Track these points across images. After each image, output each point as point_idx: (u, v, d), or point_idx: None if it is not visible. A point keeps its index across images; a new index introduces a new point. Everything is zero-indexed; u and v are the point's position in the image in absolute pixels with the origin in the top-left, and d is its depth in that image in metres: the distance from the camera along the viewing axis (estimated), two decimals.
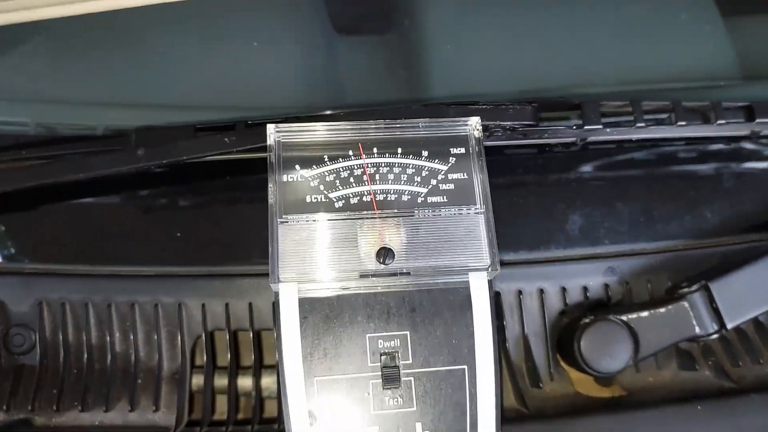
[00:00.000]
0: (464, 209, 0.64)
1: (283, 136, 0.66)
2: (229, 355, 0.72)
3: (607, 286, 0.77)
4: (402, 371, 0.61)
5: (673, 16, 0.93)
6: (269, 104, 0.79)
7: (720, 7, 0.94)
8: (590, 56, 0.88)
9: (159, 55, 0.83)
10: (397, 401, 0.60)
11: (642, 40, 0.91)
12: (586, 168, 0.84)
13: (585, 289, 0.76)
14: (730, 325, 0.70)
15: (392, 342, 0.61)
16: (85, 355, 0.72)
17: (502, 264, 0.64)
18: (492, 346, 0.61)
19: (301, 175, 0.64)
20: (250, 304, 0.73)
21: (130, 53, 0.83)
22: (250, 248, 0.74)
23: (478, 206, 0.64)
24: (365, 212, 0.63)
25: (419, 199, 0.64)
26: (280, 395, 0.61)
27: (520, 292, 0.75)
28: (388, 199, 0.64)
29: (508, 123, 0.72)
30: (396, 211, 0.64)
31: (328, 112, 0.72)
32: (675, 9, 0.93)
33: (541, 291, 0.76)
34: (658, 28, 0.93)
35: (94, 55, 0.83)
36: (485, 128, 0.71)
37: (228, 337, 0.73)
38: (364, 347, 0.61)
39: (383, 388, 0.60)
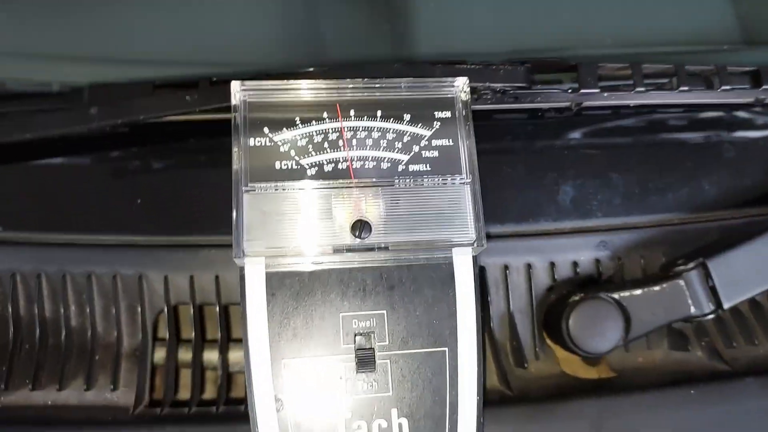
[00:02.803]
0: (449, 179, 0.59)
1: (249, 94, 0.59)
2: (194, 331, 0.67)
3: (598, 261, 0.72)
4: (378, 353, 0.56)
5: None
6: (237, 60, 0.72)
7: None
8: (588, 14, 0.82)
9: (117, 3, 0.75)
10: (372, 386, 0.56)
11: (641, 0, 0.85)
12: (579, 135, 0.79)
13: (575, 264, 0.72)
14: (726, 305, 0.66)
15: (368, 322, 0.57)
16: (38, 330, 0.66)
17: (488, 237, 0.59)
18: (475, 327, 0.57)
19: (269, 138, 0.58)
20: (217, 277, 0.68)
21: (86, 2, 0.75)
22: (217, 217, 0.67)
23: (464, 176, 0.59)
24: (341, 181, 0.58)
25: (400, 168, 0.59)
26: None
27: (506, 267, 0.71)
28: (366, 166, 0.59)
29: (499, 85, 0.66)
30: (374, 180, 0.58)
31: (301, 70, 0.66)
32: None
33: (529, 266, 0.71)
34: None
35: (45, 4, 0.75)
36: (473, 90, 0.66)
37: (192, 311, 0.67)
38: (337, 327, 0.56)
39: (357, 372, 0.56)
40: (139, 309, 0.67)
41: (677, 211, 0.75)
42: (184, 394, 0.67)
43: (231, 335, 0.70)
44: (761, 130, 0.82)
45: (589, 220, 0.74)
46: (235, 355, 0.69)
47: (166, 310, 0.67)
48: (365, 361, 0.55)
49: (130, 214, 0.69)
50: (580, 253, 0.72)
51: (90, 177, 0.71)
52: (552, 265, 0.72)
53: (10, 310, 0.66)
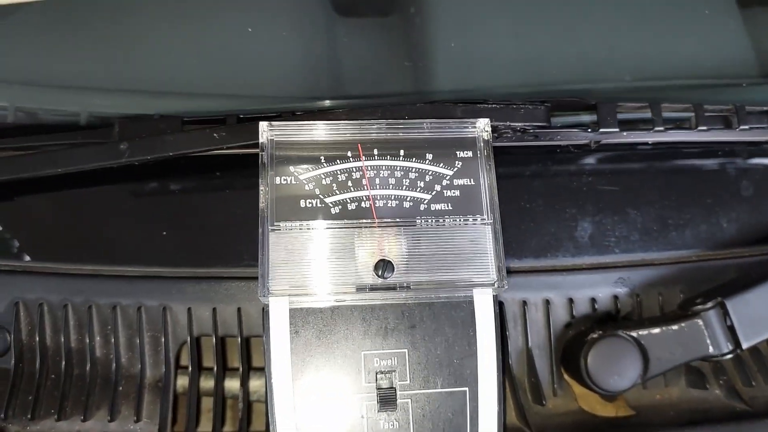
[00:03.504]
0: (470, 219, 0.60)
1: (276, 134, 0.61)
2: (215, 363, 0.68)
3: (616, 298, 0.73)
4: (399, 392, 0.57)
5: (692, 10, 0.88)
6: (263, 94, 0.74)
7: (740, 2, 0.88)
8: (606, 50, 0.82)
9: (147, 37, 0.77)
10: (393, 425, 0.56)
11: (659, 35, 0.86)
12: (598, 170, 0.79)
13: (593, 300, 0.72)
14: (745, 345, 0.66)
15: (389, 360, 0.57)
16: (63, 360, 0.68)
17: (507, 272, 0.60)
18: (496, 367, 0.58)
19: (295, 177, 0.60)
20: (239, 309, 0.69)
21: (116, 35, 0.78)
22: (240, 249, 0.69)
23: (485, 216, 0.60)
24: (363, 220, 0.59)
25: (422, 207, 0.60)
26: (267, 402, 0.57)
27: (524, 303, 0.71)
28: (389, 205, 0.60)
29: (519, 124, 0.67)
30: (397, 219, 0.59)
31: (327, 105, 0.67)
32: (695, 3, 0.88)
33: (547, 302, 0.72)
34: (676, 22, 0.87)
35: (77, 36, 0.78)
36: (494, 129, 0.67)
37: (215, 343, 0.68)
38: (359, 365, 0.57)
39: (378, 411, 0.56)
40: (163, 340, 0.68)
41: (695, 248, 0.76)
42: (206, 425, 0.68)
43: (252, 365, 0.71)
44: None
45: (608, 256, 0.74)
46: (255, 384, 0.70)
47: (189, 341, 0.68)
48: (387, 400, 0.56)
49: (155, 247, 0.70)
50: (598, 289, 0.73)
51: (116, 209, 0.72)
52: (570, 301, 0.72)
53: (37, 339, 0.68)
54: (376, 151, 0.61)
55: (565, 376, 0.72)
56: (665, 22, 0.86)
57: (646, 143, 0.75)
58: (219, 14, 0.78)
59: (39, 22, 0.78)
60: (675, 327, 0.68)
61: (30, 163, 0.66)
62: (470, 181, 0.61)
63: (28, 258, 0.69)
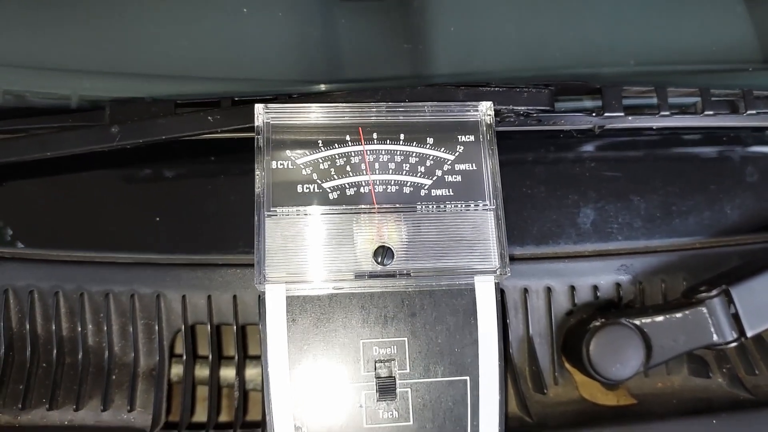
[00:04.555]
0: (472, 205, 0.58)
1: (272, 117, 0.59)
2: (210, 352, 0.66)
3: (618, 285, 0.71)
4: (398, 381, 0.56)
5: None
6: (258, 77, 0.72)
7: None
8: (611, 34, 0.81)
9: (139, 18, 0.75)
10: (392, 414, 0.55)
11: (665, 19, 0.84)
12: (601, 156, 0.78)
13: (595, 288, 0.71)
14: (750, 334, 0.65)
15: (389, 349, 0.56)
16: (55, 349, 0.66)
17: (509, 259, 0.58)
18: (497, 355, 0.57)
19: (292, 161, 0.58)
20: (235, 297, 0.67)
21: (107, 15, 0.75)
22: (236, 236, 0.67)
23: (487, 202, 0.58)
24: (362, 206, 0.57)
25: (422, 192, 0.58)
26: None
27: (525, 290, 0.70)
28: (389, 191, 0.58)
29: (522, 108, 0.65)
30: (397, 205, 0.58)
31: (324, 90, 0.66)
32: None
33: (549, 289, 0.70)
34: (682, 5, 0.85)
35: (66, 18, 0.75)
36: (497, 113, 0.65)
37: (210, 331, 0.67)
38: (357, 354, 0.56)
39: (377, 400, 0.55)
40: (157, 328, 0.67)
41: (699, 235, 0.74)
42: (201, 415, 0.67)
43: (248, 353, 0.69)
44: None
45: (610, 243, 0.73)
46: (251, 372, 0.69)
47: (183, 329, 0.67)
48: (386, 389, 0.55)
49: (148, 233, 0.68)
50: (601, 276, 0.72)
51: (109, 194, 0.70)
52: (572, 288, 0.71)
53: (27, 327, 0.66)
54: (375, 135, 0.60)
55: (567, 365, 0.71)
56: (671, 5, 0.84)
57: (650, 129, 0.73)
58: None
59: (28, 3, 0.75)
60: (679, 315, 0.67)
61: (19, 147, 0.64)
62: (472, 166, 0.60)
63: (20, 245, 0.68)
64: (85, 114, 0.67)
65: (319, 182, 0.58)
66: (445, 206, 0.58)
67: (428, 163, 0.59)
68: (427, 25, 0.77)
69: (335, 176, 0.58)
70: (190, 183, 0.71)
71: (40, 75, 0.73)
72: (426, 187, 0.59)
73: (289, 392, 0.54)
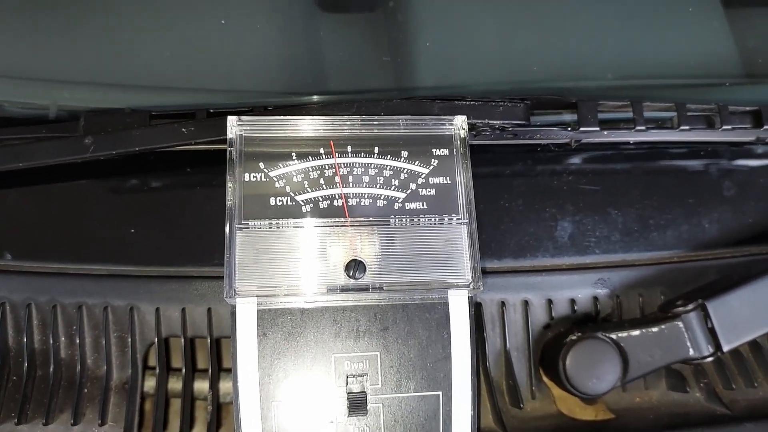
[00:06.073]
0: (445, 218, 0.58)
1: (246, 129, 0.59)
2: (184, 365, 0.66)
3: (596, 299, 0.71)
4: (370, 396, 0.55)
5: (676, 8, 0.86)
6: (234, 88, 0.72)
7: (724, 2, 0.87)
8: (589, 48, 0.81)
9: (116, 28, 0.75)
10: (363, 430, 0.54)
11: (642, 33, 0.84)
12: (578, 170, 0.78)
13: (572, 301, 0.71)
14: (726, 348, 0.65)
15: (361, 364, 0.56)
16: (26, 362, 0.65)
17: (485, 272, 0.58)
18: (470, 370, 0.56)
19: (265, 173, 0.58)
20: (209, 310, 0.66)
21: (83, 25, 0.75)
22: (211, 248, 0.67)
23: (460, 216, 0.58)
24: (335, 219, 0.57)
25: (396, 206, 0.58)
26: None
27: (503, 304, 0.70)
28: (362, 204, 0.58)
29: (498, 122, 0.65)
30: (370, 218, 0.57)
31: (300, 101, 0.65)
32: (679, 1, 0.87)
33: (526, 302, 0.70)
34: (659, 20, 0.86)
35: (42, 27, 0.75)
36: (472, 126, 0.65)
37: (184, 344, 0.66)
38: (329, 369, 0.55)
39: (348, 416, 0.54)
40: (130, 341, 0.66)
41: (676, 249, 0.74)
42: (174, 428, 0.66)
43: (222, 366, 0.69)
44: (762, 167, 0.81)
45: (588, 256, 0.73)
46: (225, 386, 0.68)
47: (157, 342, 0.66)
48: (357, 404, 0.54)
49: (122, 245, 0.68)
50: (578, 290, 0.71)
51: (83, 206, 0.70)
52: (549, 302, 0.71)
53: None
54: (349, 148, 0.60)
55: (544, 379, 0.70)
56: (648, 20, 0.85)
57: (627, 143, 0.73)
58: (192, 4, 0.76)
59: (3, 14, 0.75)
60: (655, 329, 0.67)
61: None
62: (446, 180, 0.60)
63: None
64: (60, 125, 0.67)
65: (292, 195, 0.58)
66: (418, 220, 0.58)
67: (402, 177, 0.59)
68: (405, 38, 0.77)
69: (308, 189, 0.58)
70: (165, 195, 0.71)
71: (15, 84, 0.73)
72: (400, 201, 0.59)
73: (258, 407, 0.54)
